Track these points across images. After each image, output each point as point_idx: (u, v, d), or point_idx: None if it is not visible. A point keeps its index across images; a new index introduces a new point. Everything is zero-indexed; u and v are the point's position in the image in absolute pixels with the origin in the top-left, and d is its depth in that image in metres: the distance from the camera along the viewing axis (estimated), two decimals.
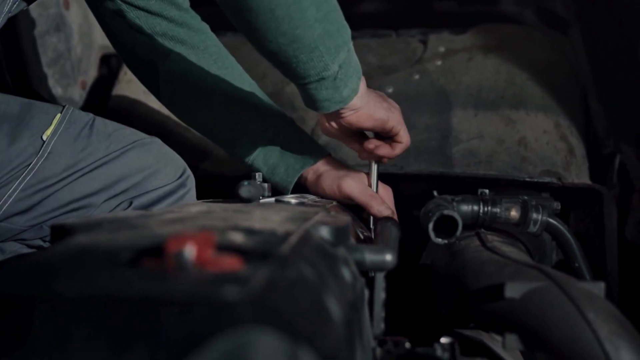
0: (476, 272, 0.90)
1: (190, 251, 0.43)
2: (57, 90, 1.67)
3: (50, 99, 1.64)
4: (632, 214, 1.38)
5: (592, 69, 1.57)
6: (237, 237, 0.53)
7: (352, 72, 0.94)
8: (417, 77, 1.58)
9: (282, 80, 1.58)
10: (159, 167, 1.12)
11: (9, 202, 1.02)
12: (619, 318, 0.71)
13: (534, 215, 1.10)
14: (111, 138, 1.11)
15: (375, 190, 1.14)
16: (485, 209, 1.11)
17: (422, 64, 1.62)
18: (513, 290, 0.77)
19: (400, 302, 1.01)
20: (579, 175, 1.41)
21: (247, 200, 0.86)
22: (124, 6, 1.14)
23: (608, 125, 1.49)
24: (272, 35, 0.83)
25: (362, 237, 1.00)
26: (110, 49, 1.63)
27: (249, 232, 0.56)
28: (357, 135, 1.12)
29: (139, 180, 1.10)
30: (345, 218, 0.74)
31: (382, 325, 0.73)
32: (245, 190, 0.85)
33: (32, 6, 1.56)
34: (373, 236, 1.06)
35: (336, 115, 1.02)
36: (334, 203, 1.06)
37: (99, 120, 1.13)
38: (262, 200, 0.93)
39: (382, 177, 1.16)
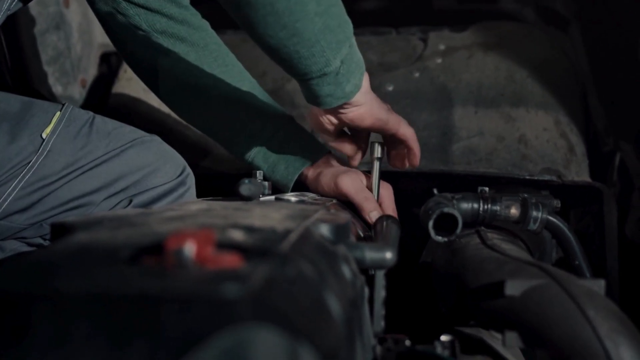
0: (476, 270, 0.90)
1: (190, 249, 0.43)
2: (57, 89, 1.67)
3: (50, 97, 1.63)
4: (632, 211, 1.38)
5: (591, 66, 1.57)
6: (237, 235, 0.53)
7: (354, 68, 0.94)
8: (417, 74, 1.58)
9: (283, 78, 1.58)
10: (158, 165, 1.12)
11: (8, 201, 1.02)
12: (619, 315, 0.71)
13: (534, 213, 1.09)
14: (111, 136, 1.11)
15: (377, 189, 1.13)
16: (485, 206, 1.11)
17: (423, 61, 1.62)
18: (513, 288, 0.77)
19: (401, 300, 1.01)
20: (579, 173, 1.41)
21: (247, 198, 0.86)
22: (123, 4, 1.14)
23: (608, 123, 1.49)
24: (273, 30, 0.83)
25: (362, 235, 1.00)
26: (110, 47, 1.63)
27: (249, 229, 0.56)
28: (349, 136, 1.12)
29: (139, 178, 1.10)
30: (345, 216, 0.74)
31: (382, 323, 0.73)
32: (245, 188, 0.85)
33: (32, 4, 1.56)
34: (373, 234, 1.06)
35: (337, 111, 1.02)
36: (334, 201, 1.06)
37: (99, 118, 1.13)
38: (262, 198, 0.93)
39: (382, 175, 1.15)
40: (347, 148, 1.12)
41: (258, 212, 0.69)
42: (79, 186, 1.07)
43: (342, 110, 1.01)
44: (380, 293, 0.72)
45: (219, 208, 0.73)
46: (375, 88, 1.07)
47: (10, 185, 1.02)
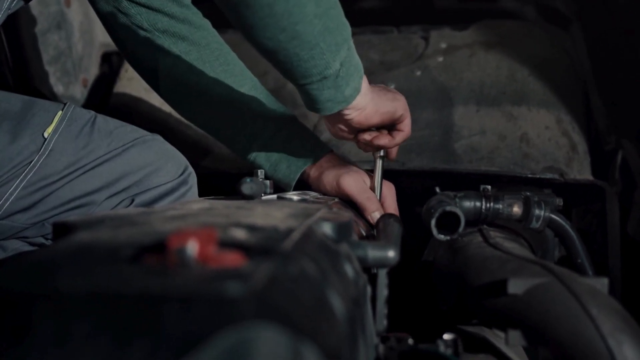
0: (479, 269, 0.90)
1: (192, 247, 0.43)
2: (59, 88, 1.67)
3: (52, 96, 1.64)
4: (634, 209, 1.38)
5: (593, 64, 1.56)
6: (239, 234, 0.53)
7: (353, 70, 0.93)
8: (418, 73, 1.58)
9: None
10: (160, 164, 1.12)
11: (10, 200, 1.02)
12: (622, 314, 0.71)
13: (537, 212, 1.09)
14: (112, 135, 1.11)
15: (379, 187, 1.13)
16: (488, 205, 1.11)
17: (424, 60, 1.62)
18: (516, 286, 0.76)
19: (403, 299, 1.01)
20: (581, 171, 1.41)
21: (249, 197, 0.86)
22: (125, 3, 1.14)
23: (609, 121, 1.49)
24: (271, 32, 0.82)
25: (364, 234, 0.99)
26: (112, 46, 1.63)
27: (251, 228, 0.56)
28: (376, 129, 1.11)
29: (141, 177, 1.10)
30: (347, 215, 0.73)
31: (385, 322, 0.73)
32: (247, 187, 0.85)
33: (33, 4, 1.56)
34: (375, 233, 1.06)
35: (341, 118, 1.01)
36: (336, 200, 1.06)
37: (100, 117, 1.13)
38: (264, 197, 0.93)
39: (384, 174, 1.15)
40: (383, 140, 1.09)
41: (260, 211, 0.69)
42: (81, 185, 1.07)
43: (347, 117, 1.00)
44: (383, 292, 0.72)
45: (221, 207, 0.73)
46: None
47: (12, 185, 1.02)
